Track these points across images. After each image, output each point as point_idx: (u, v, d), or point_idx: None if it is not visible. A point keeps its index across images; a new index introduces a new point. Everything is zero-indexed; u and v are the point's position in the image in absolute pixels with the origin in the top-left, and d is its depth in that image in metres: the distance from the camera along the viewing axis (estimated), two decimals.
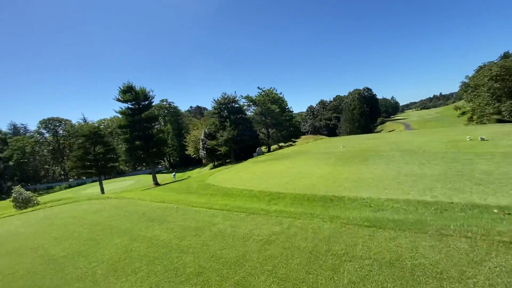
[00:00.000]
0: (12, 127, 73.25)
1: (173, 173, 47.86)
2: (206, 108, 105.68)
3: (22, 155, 59.97)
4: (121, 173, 63.01)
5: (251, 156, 36.84)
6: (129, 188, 41.02)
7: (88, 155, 30.09)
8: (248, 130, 44.92)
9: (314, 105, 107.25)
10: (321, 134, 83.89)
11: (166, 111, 75.26)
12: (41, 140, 70.86)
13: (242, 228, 6.26)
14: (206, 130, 47.21)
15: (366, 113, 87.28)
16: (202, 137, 46.74)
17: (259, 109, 49.49)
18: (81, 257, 6.01)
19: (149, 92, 38.11)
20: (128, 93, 36.35)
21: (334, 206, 8.43)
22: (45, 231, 9.00)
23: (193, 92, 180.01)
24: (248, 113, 51.22)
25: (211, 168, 47.30)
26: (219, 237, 5.89)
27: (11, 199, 26.28)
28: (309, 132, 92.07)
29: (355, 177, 11.83)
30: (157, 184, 37.82)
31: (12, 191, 26.50)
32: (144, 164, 52.69)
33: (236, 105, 45.77)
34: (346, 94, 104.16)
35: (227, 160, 49.20)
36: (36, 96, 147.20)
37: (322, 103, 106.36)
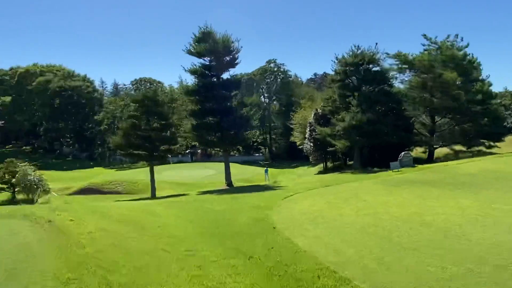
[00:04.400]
0: (115, 88, 73.12)
1: (265, 169, 34.26)
2: None
3: (113, 119, 53.97)
4: (209, 156, 54.26)
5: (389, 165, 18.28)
6: (203, 181, 30.75)
7: (137, 130, 20.18)
8: (393, 115, 28.70)
9: None
10: None
11: (272, 77, 57.63)
12: (130, 104, 58.40)
13: None
14: (318, 109, 30.40)
15: None
16: (311, 120, 30.29)
17: (417, 78, 28.22)
18: None
19: (233, 42, 25.23)
20: (204, 42, 24.56)
21: None
22: None
23: (322, 54, 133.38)
24: (399, 84, 33.20)
25: (319, 172, 31.18)
26: None
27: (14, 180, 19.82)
28: None
29: None
30: (229, 184, 25.71)
31: (18, 169, 20.17)
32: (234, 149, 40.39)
33: (376, 68, 27.24)
34: None
35: (348, 162, 30.54)
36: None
37: None
